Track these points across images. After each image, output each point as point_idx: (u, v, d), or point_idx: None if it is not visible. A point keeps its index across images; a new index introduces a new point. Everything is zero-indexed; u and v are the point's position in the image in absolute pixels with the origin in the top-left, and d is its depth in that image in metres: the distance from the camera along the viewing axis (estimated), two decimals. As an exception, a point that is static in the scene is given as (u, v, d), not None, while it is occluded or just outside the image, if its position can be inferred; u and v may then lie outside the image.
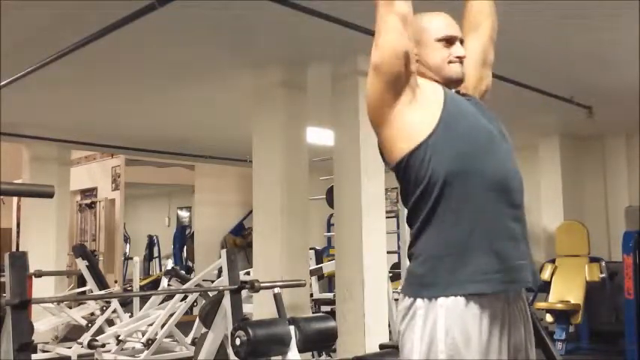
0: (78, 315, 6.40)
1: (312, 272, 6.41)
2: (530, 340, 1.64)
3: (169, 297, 5.90)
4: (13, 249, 8.91)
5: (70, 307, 6.85)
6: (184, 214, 13.26)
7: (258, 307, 4.43)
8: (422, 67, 1.71)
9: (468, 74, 1.80)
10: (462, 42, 1.75)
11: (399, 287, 2.22)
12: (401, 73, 1.60)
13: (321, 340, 3.33)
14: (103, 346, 5.39)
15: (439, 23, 1.73)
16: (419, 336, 1.52)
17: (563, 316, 6.06)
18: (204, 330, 4.15)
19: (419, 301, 1.54)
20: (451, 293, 1.50)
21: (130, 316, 6.20)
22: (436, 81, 1.71)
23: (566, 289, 6.30)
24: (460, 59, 1.71)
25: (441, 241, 1.56)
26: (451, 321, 1.49)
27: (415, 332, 1.53)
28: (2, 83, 4.47)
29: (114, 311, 6.25)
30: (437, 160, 1.56)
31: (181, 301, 5.53)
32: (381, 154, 1.72)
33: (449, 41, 1.72)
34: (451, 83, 1.73)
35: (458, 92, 1.74)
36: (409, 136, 1.59)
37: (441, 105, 1.60)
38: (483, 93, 1.88)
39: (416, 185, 1.59)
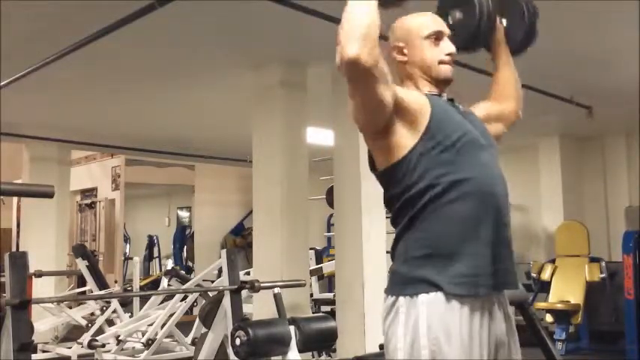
0: (78, 315, 6.40)
1: (312, 272, 6.41)
2: (512, 336, 1.66)
3: (169, 297, 5.90)
4: (13, 249, 8.89)
5: (70, 307, 6.85)
6: (184, 214, 13.25)
7: (258, 307, 4.42)
8: (411, 67, 1.73)
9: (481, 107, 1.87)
10: (449, 37, 1.75)
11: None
12: (387, 116, 1.58)
13: (321, 340, 3.33)
14: (103, 346, 5.39)
15: (424, 21, 1.74)
16: (402, 333, 1.55)
17: (563, 316, 6.05)
18: (204, 330, 4.14)
19: (401, 299, 1.57)
20: (432, 291, 1.53)
21: (130, 316, 6.21)
22: (425, 80, 1.73)
23: (566, 289, 6.30)
24: (451, 56, 1.73)
25: (423, 242, 1.58)
26: (432, 317, 1.52)
27: (398, 330, 1.56)
28: (2, 83, 4.47)
29: (114, 311, 6.26)
30: (423, 166, 1.59)
31: (181, 301, 5.53)
32: (370, 159, 1.73)
33: (437, 37, 1.73)
34: (440, 83, 1.74)
35: (448, 99, 1.76)
36: (398, 145, 1.61)
37: (427, 114, 1.62)
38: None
39: (402, 191, 1.61)
